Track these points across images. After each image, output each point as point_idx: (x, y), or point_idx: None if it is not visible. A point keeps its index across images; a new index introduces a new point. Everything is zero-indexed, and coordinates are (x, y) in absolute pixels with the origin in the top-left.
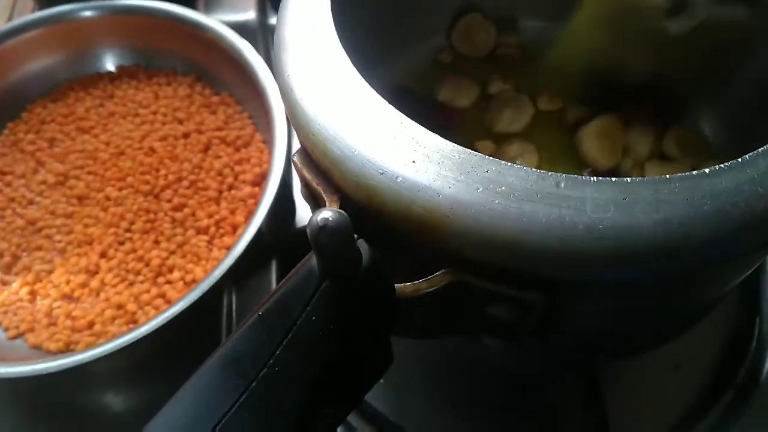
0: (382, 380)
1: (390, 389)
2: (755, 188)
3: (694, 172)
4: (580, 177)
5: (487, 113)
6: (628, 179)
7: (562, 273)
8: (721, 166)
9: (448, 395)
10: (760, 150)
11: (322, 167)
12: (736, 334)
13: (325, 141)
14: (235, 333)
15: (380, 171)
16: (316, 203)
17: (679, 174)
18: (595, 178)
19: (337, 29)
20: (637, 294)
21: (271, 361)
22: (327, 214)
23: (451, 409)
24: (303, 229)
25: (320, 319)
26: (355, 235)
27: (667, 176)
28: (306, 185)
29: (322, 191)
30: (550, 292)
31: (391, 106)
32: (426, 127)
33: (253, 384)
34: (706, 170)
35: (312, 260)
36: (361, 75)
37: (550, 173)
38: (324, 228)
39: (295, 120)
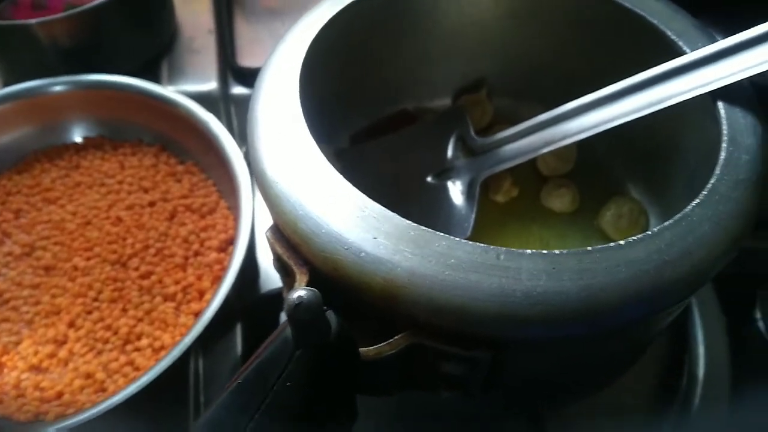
0: None
1: None
2: (662, 257)
3: (612, 244)
4: (517, 250)
5: None
6: (557, 251)
7: (503, 334)
8: (634, 238)
9: None
10: (665, 224)
11: (292, 242)
12: (670, 371)
13: (295, 219)
14: (217, 399)
15: (345, 246)
16: (287, 274)
17: (599, 246)
18: (530, 251)
19: (303, 113)
20: (569, 348)
21: (251, 424)
22: (301, 292)
23: None
24: (268, 294)
25: (294, 383)
26: (324, 307)
27: (589, 248)
28: (278, 258)
29: (292, 264)
30: (494, 350)
31: (354, 188)
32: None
33: None
34: (621, 242)
35: (286, 331)
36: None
37: (492, 247)
38: (299, 305)
39: (268, 200)
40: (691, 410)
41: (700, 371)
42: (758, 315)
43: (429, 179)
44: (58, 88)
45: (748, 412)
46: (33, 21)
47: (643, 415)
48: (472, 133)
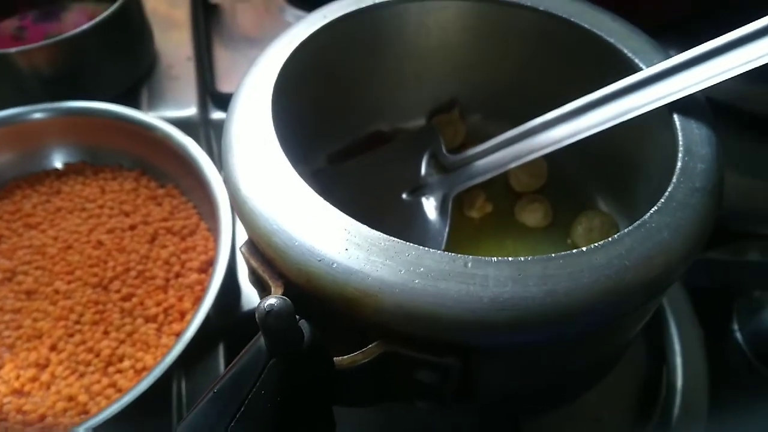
0: None
1: None
2: (623, 262)
3: (574, 251)
4: (483, 258)
5: None
6: (522, 258)
7: (472, 339)
8: (596, 245)
9: None
10: (625, 231)
11: (267, 256)
12: (648, 384)
13: (269, 234)
14: (194, 408)
15: (318, 258)
16: (262, 288)
17: (563, 252)
18: (495, 258)
19: (277, 133)
20: (540, 354)
21: None
22: (272, 300)
23: None
24: (249, 313)
25: (269, 392)
26: (298, 316)
27: (553, 255)
28: (253, 272)
29: (267, 278)
30: (465, 356)
31: (326, 201)
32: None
33: None
34: (584, 249)
35: (260, 340)
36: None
37: (459, 255)
38: (270, 312)
39: (242, 216)
40: (671, 422)
41: (679, 381)
42: (735, 326)
43: (404, 196)
44: (38, 115)
45: (728, 422)
46: (12, 50)
47: (622, 428)
48: (444, 150)
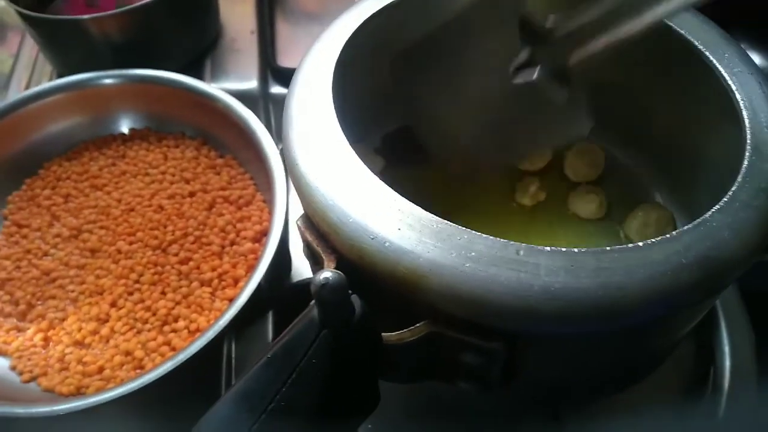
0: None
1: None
2: (680, 259)
3: (630, 245)
4: (536, 246)
5: None
6: (576, 249)
7: (519, 326)
8: (653, 240)
9: None
10: (684, 228)
11: (321, 231)
12: (695, 383)
13: (324, 209)
14: (247, 372)
15: (371, 236)
16: (315, 261)
17: (618, 246)
18: (549, 248)
19: (336, 110)
20: (587, 345)
21: (278, 396)
22: (327, 273)
23: None
24: (298, 284)
25: (319, 361)
26: (350, 291)
27: (608, 248)
28: (308, 246)
29: (321, 251)
30: (511, 342)
31: (381, 181)
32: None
33: (263, 416)
34: (640, 243)
35: (313, 312)
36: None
37: (511, 242)
38: (325, 286)
39: (299, 190)
40: (716, 423)
41: (726, 384)
42: None
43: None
44: (108, 81)
45: None
46: (86, 17)
47: (663, 425)
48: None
